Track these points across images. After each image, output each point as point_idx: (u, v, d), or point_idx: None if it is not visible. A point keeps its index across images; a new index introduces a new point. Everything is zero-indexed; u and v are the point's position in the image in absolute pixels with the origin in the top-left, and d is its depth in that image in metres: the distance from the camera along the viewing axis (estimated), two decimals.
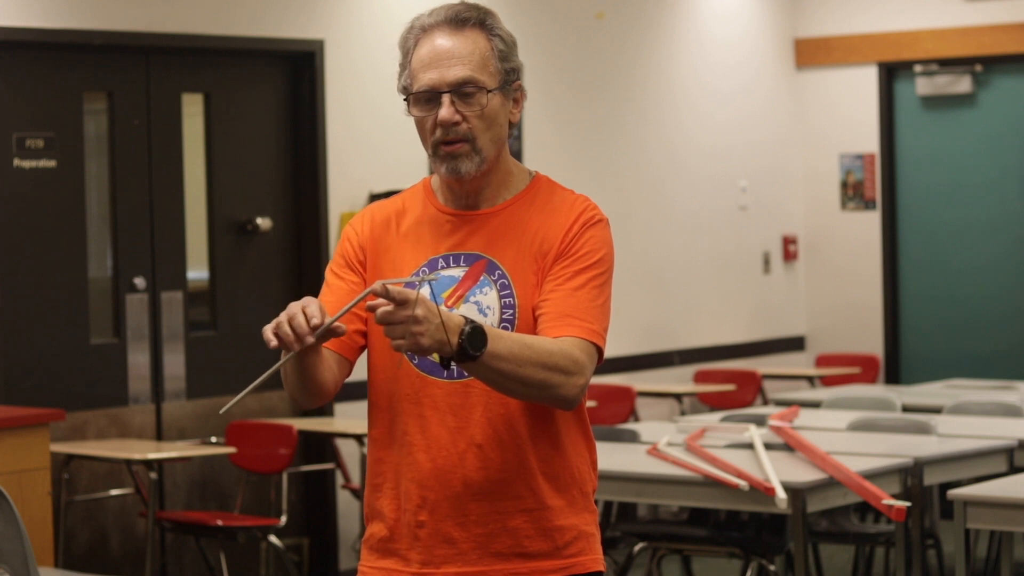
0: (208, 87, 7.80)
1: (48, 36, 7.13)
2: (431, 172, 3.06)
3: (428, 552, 2.91)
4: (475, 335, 2.69)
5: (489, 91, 2.91)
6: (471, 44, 2.91)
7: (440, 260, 2.95)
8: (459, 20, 2.92)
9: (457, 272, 2.94)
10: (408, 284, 2.74)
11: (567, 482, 2.94)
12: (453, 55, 2.90)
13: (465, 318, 2.70)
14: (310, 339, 2.69)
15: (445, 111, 2.89)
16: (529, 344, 2.78)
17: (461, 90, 2.89)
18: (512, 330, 2.88)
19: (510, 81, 2.95)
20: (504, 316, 2.89)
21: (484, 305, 2.90)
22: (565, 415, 2.93)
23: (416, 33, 2.95)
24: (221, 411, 2.85)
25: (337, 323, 2.71)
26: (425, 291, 2.88)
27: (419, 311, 2.63)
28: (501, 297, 2.91)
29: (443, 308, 2.71)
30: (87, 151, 7.39)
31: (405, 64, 2.95)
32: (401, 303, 2.62)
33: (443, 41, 2.91)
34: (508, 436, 2.89)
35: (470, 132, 2.90)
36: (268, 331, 2.72)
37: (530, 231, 2.95)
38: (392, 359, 2.92)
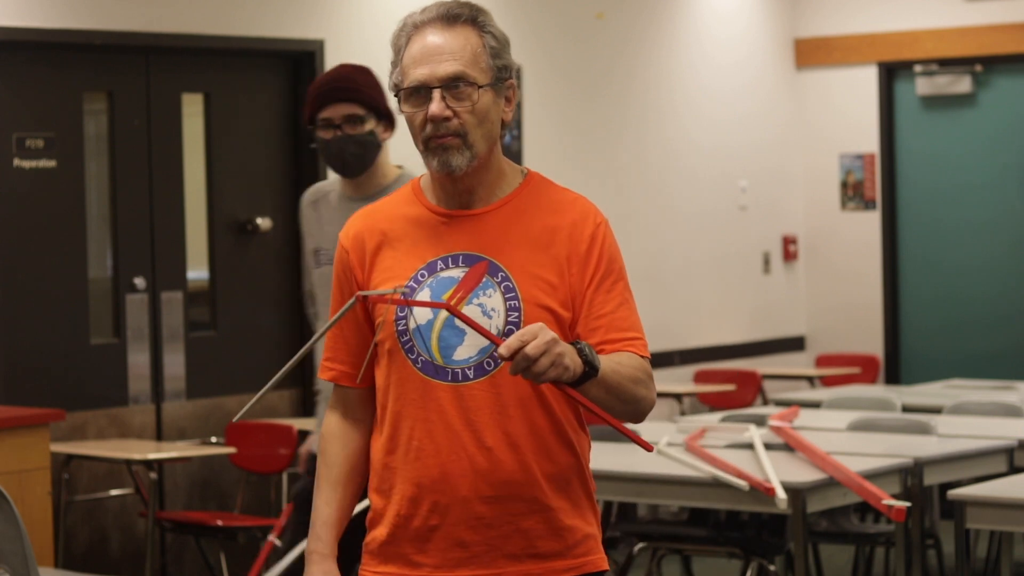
0: (208, 87, 7.80)
1: (48, 36, 7.13)
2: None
3: (441, 556, 2.90)
4: (588, 348, 2.77)
5: (480, 87, 2.89)
6: (462, 40, 2.89)
7: (439, 262, 2.92)
8: (450, 16, 2.91)
9: (456, 273, 2.91)
10: (413, 293, 2.75)
11: (574, 482, 2.94)
12: (444, 51, 2.88)
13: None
14: None
15: (435, 106, 2.86)
16: (618, 360, 2.84)
17: (452, 86, 2.87)
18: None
19: (502, 79, 2.93)
20: (510, 319, 2.87)
21: (488, 307, 2.88)
22: (568, 415, 2.93)
23: (408, 31, 2.93)
24: (235, 419, 2.88)
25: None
26: (425, 295, 2.88)
27: (552, 334, 2.70)
28: (506, 299, 2.88)
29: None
30: (87, 151, 7.39)
31: (397, 62, 2.94)
32: (532, 336, 2.67)
33: (434, 38, 2.89)
34: (516, 438, 2.88)
35: (461, 127, 2.87)
36: None
37: (534, 231, 2.93)
38: (394, 365, 2.92)
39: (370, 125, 4.63)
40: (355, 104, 4.62)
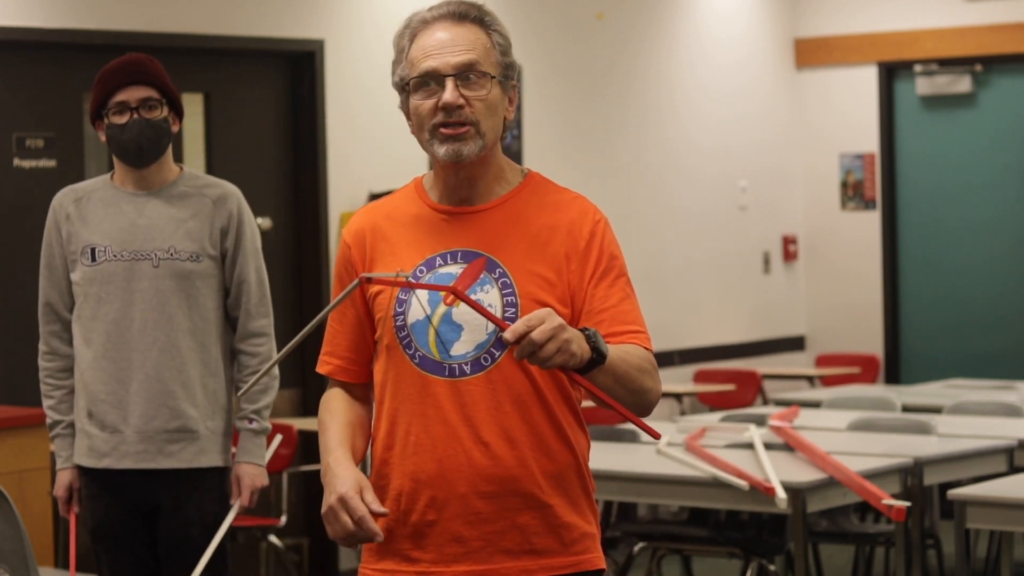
0: (208, 87, 7.80)
1: (48, 36, 7.13)
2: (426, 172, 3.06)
3: (438, 551, 2.90)
4: (596, 335, 2.75)
5: (493, 77, 2.91)
6: (472, 35, 2.92)
7: (438, 258, 2.93)
8: (459, 15, 2.93)
9: (455, 269, 2.91)
10: (414, 276, 2.75)
11: (572, 480, 2.94)
12: (456, 43, 2.90)
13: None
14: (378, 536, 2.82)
15: (449, 94, 2.87)
16: (624, 350, 2.83)
17: (465, 75, 2.89)
18: None
19: (508, 76, 2.96)
20: (507, 315, 2.87)
21: (485, 303, 2.87)
22: (566, 413, 2.93)
23: (414, 27, 2.94)
24: (239, 394, 2.88)
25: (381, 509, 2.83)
26: (424, 292, 2.89)
27: (559, 319, 2.68)
28: (503, 296, 2.89)
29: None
30: (87, 151, 7.39)
31: (401, 59, 2.95)
32: (539, 322, 2.66)
33: (444, 33, 2.91)
34: (514, 434, 2.88)
35: (473, 115, 2.88)
36: (343, 542, 2.85)
37: (533, 229, 2.93)
38: (392, 360, 2.93)
39: (164, 112, 4.52)
40: (151, 88, 4.50)
